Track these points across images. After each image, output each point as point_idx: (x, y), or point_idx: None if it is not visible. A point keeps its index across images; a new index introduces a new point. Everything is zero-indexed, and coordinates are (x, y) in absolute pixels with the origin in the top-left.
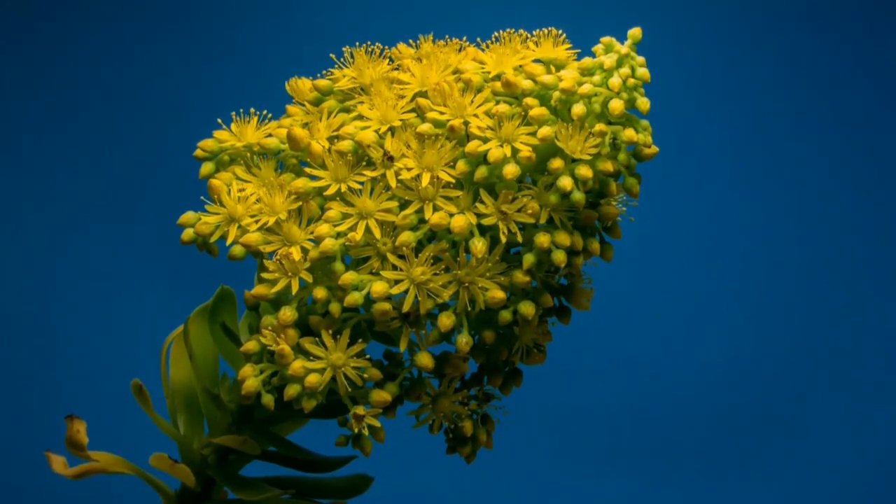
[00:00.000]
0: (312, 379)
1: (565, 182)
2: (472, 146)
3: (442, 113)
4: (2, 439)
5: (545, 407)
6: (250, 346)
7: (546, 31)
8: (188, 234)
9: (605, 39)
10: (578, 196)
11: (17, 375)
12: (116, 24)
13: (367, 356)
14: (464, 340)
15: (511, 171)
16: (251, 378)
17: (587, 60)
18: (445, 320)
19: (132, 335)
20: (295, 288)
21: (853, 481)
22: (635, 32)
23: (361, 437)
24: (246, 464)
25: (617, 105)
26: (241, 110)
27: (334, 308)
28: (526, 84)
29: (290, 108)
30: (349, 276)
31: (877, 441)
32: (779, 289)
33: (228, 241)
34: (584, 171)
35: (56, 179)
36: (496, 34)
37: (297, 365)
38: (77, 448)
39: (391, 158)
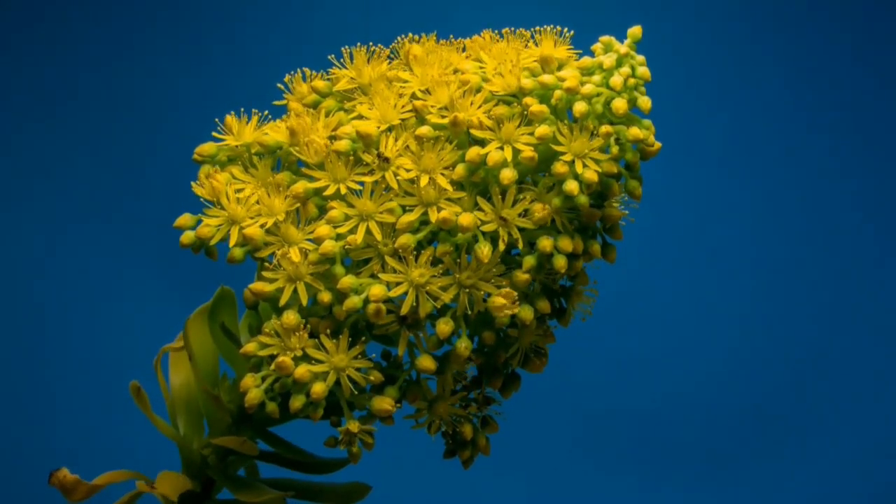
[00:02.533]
0: (318, 388)
1: (571, 186)
2: (472, 153)
3: (443, 116)
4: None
5: (545, 407)
6: (250, 347)
7: (547, 28)
8: (188, 236)
9: (604, 38)
10: (584, 199)
11: (16, 376)
12: (116, 25)
13: (373, 356)
14: (463, 345)
15: (507, 175)
16: (253, 389)
17: (586, 60)
18: (444, 327)
19: (132, 336)
20: (302, 293)
21: (853, 481)
22: (635, 31)
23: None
24: (245, 464)
25: (620, 104)
26: (242, 109)
27: (338, 311)
28: (527, 83)
29: (293, 104)
30: (348, 280)
31: (877, 441)
32: (780, 288)
33: (231, 244)
34: (590, 175)
35: (54, 180)
36: (489, 32)
37: (303, 370)
38: (75, 489)
39: (386, 160)
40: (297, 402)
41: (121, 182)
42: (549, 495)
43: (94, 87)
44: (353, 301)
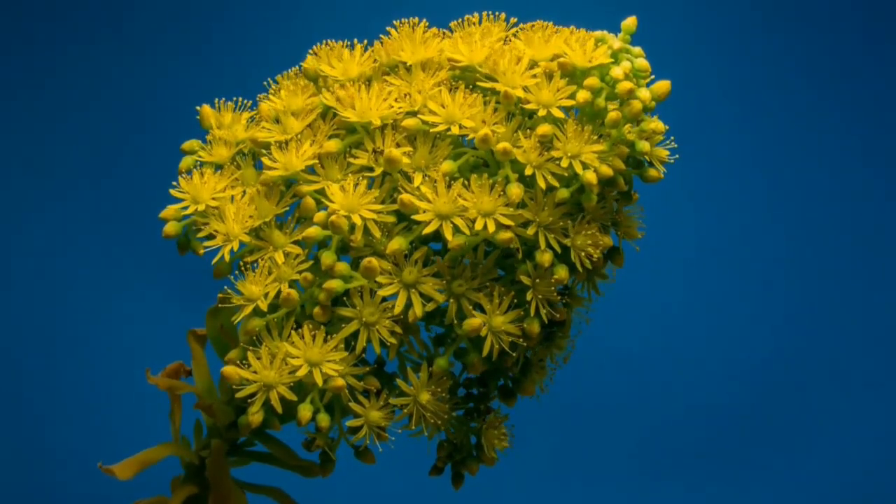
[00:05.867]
0: (340, 383)
1: (590, 176)
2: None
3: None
4: (1, 443)
5: (543, 408)
6: (233, 355)
7: (540, 24)
8: (173, 227)
9: (598, 34)
10: (593, 198)
11: (15, 378)
12: (119, 27)
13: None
14: (475, 358)
15: (516, 192)
16: (254, 415)
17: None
18: (474, 322)
19: (132, 337)
20: (285, 292)
21: (853, 481)
22: (629, 24)
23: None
24: (244, 465)
25: (626, 86)
26: (239, 102)
27: (321, 294)
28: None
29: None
30: (342, 266)
31: (877, 441)
32: (779, 289)
33: (228, 258)
34: (605, 170)
35: (54, 181)
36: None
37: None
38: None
39: (382, 153)
40: (305, 410)
41: (120, 183)
42: (548, 495)
43: (94, 88)
44: (337, 283)
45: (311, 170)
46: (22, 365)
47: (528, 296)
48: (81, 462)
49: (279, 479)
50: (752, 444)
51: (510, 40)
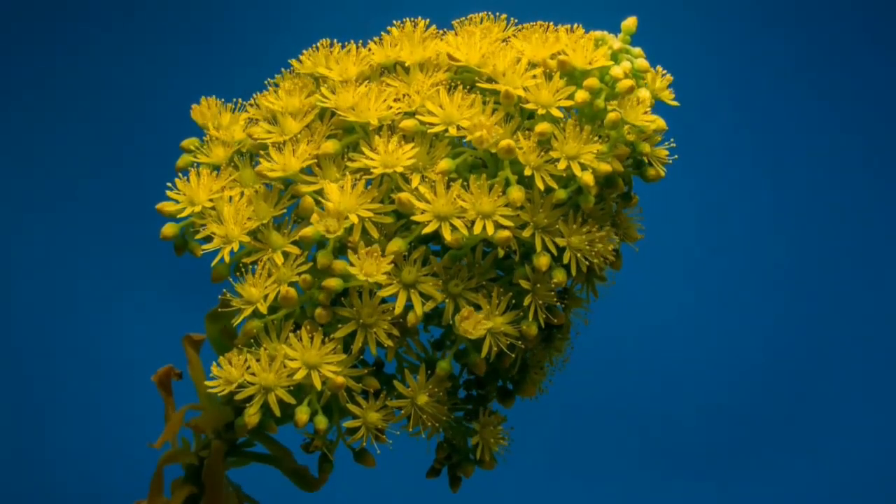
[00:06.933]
0: (340, 381)
1: (587, 178)
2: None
3: (434, 115)
4: (1, 443)
5: (543, 408)
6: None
7: (540, 25)
8: (171, 228)
9: (597, 34)
10: (591, 199)
11: (14, 379)
12: (119, 27)
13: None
14: (477, 359)
15: (518, 196)
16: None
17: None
18: (475, 325)
19: (130, 338)
20: (283, 291)
21: (854, 481)
22: (629, 24)
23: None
24: (244, 465)
25: (626, 84)
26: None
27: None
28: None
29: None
30: (341, 264)
31: (877, 441)
32: (781, 288)
33: (227, 260)
34: (603, 167)
35: (54, 181)
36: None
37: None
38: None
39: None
40: (302, 414)
41: (120, 183)
42: (548, 496)
43: (94, 88)
44: (336, 282)
45: (308, 170)
46: (21, 366)
47: (527, 300)
48: (81, 462)
49: (278, 478)
50: (752, 444)
51: (510, 40)
